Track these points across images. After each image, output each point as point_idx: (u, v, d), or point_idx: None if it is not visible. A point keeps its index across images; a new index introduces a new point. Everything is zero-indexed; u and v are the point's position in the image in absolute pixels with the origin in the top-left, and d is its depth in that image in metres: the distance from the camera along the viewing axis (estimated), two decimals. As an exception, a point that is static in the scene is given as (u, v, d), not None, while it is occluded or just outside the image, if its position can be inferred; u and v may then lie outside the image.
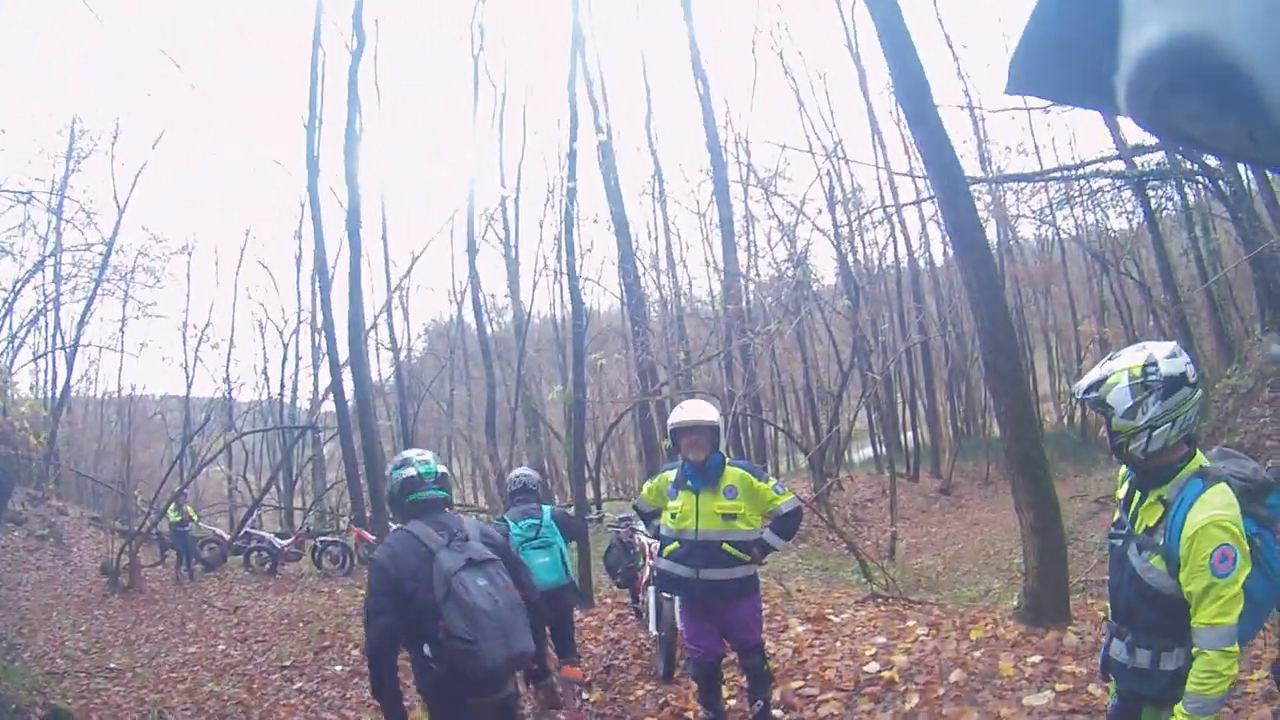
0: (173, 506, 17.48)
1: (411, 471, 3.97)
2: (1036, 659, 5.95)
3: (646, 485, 5.78)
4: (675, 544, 5.19)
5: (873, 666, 6.33)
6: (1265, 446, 12.34)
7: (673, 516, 5.21)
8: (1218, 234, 19.83)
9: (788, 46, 45.95)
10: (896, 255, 31.43)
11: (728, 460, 5.25)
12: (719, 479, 5.11)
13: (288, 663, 8.83)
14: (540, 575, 5.82)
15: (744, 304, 20.66)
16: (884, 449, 30.04)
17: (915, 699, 5.62)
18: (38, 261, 25.76)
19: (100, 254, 25.90)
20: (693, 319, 27.47)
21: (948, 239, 22.71)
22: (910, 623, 7.49)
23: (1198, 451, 2.82)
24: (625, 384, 24.38)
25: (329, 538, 18.61)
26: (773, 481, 5.30)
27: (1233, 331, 21.93)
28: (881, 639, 7.02)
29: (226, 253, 64.65)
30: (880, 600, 8.99)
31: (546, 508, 6.73)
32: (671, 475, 5.36)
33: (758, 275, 26.83)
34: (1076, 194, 21.30)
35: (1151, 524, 2.79)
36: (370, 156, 26.14)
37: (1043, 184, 20.58)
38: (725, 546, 5.04)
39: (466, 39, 25.28)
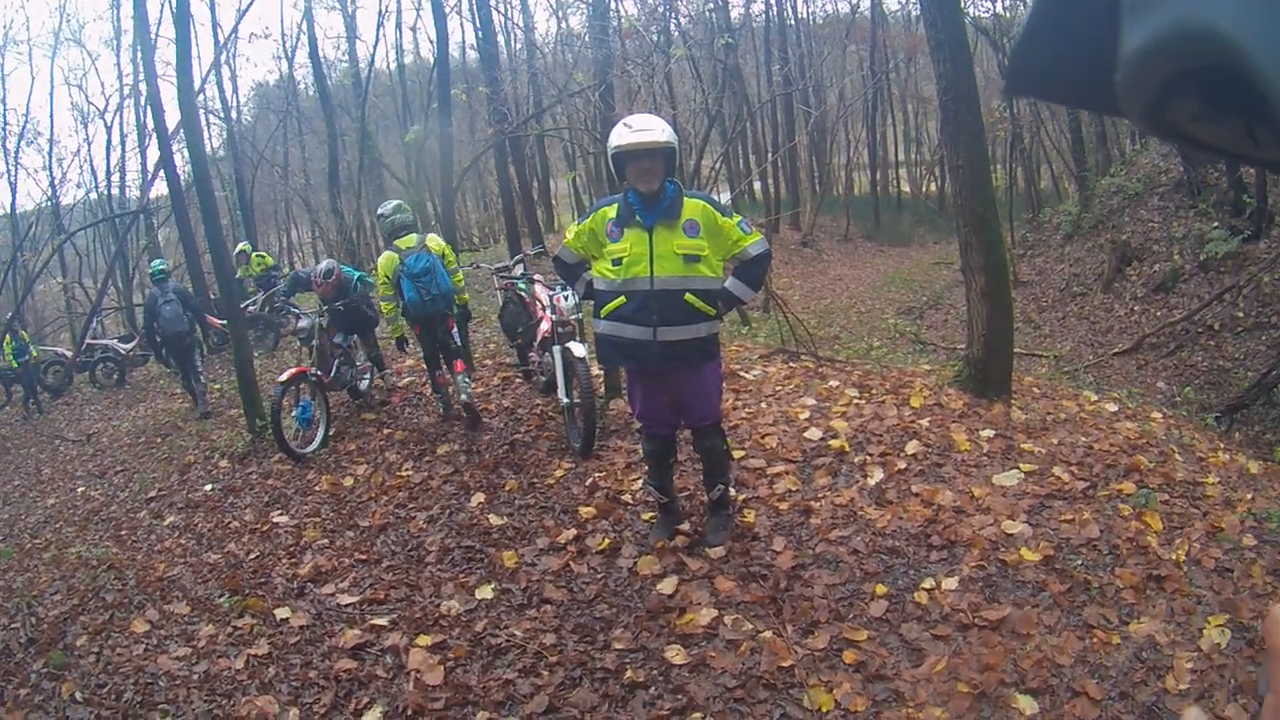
0: (7, 339, 15.17)
1: (150, 270, 12.02)
2: (990, 433, 5.67)
3: (572, 228, 4.50)
4: (621, 298, 4.11)
5: (814, 433, 5.84)
6: (1152, 250, 12.51)
7: (615, 263, 4.10)
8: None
9: None
10: (766, 4, 30.06)
11: (685, 190, 4.18)
12: (678, 212, 4.05)
13: (153, 493, 7.69)
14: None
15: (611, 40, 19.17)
16: (728, 197, 29.83)
17: (879, 473, 5.13)
18: None
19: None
20: (546, 58, 25.82)
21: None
22: (833, 383, 7.03)
23: None
24: (469, 132, 23.07)
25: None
26: (738, 218, 4.20)
27: (1110, 135, 22.29)
28: (810, 400, 6.56)
29: (39, 40, 55.41)
30: (787, 355, 8.45)
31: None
32: (612, 211, 4.18)
33: (620, 12, 25.35)
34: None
35: None
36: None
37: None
38: (688, 297, 4.03)
39: None
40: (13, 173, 27.80)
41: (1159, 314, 11.27)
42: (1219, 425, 8.02)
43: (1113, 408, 6.59)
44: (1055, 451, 5.31)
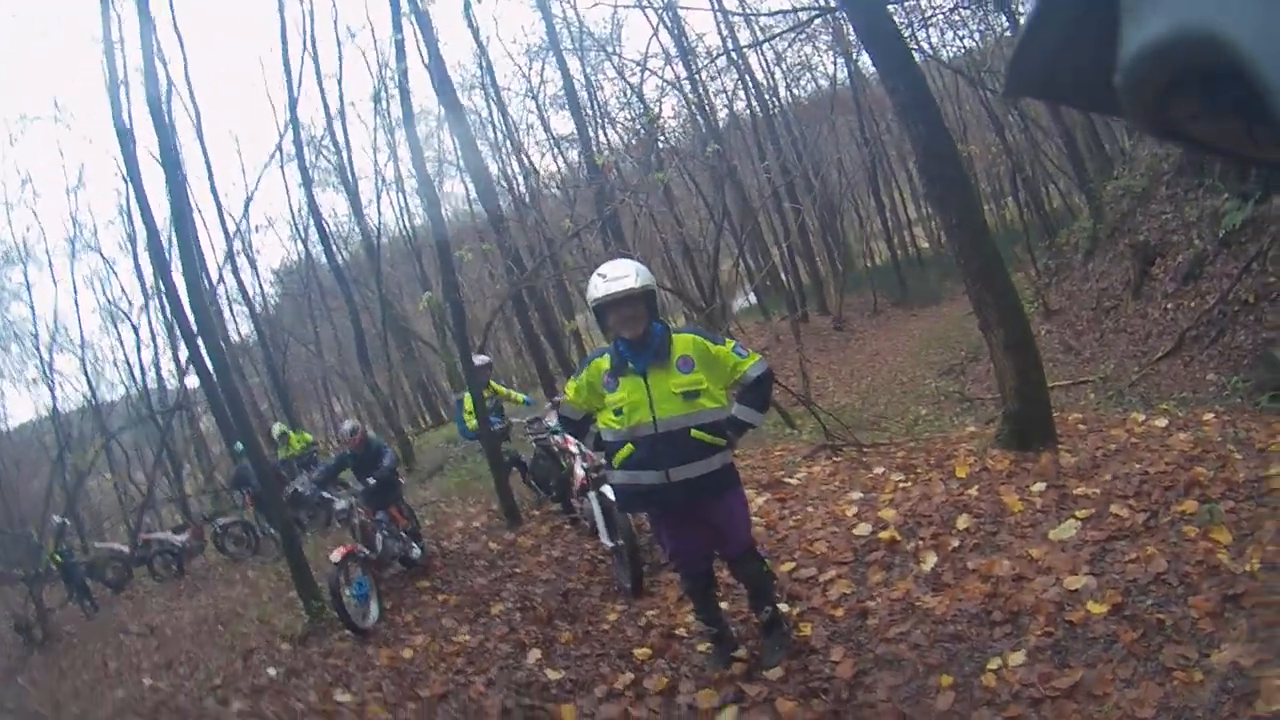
0: (52, 541, 15.70)
1: (233, 450, 14.48)
2: (1040, 486, 5.48)
3: (571, 384, 4.49)
4: (629, 446, 4.07)
5: (863, 529, 5.68)
6: (1172, 242, 12.20)
7: (617, 413, 4.07)
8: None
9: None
10: (748, 101, 30.66)
11: (671, 327, 4.18)
12: (669, 352, 4.02)
13: (218, 680, 7.70)
14: None
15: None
16: (753, 296, 29.98)
17: (932, 557, 4.94)
18: None
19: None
20: (547, 199, 26.52)
21: (858, 53, 22.26)
22: (879, 470, 6.92)
23: None
24: (489, 280, 23.48)
25: (227, 519, 16.75)
26: (731, 343, 4.19)
27: (1104, 134, 22.18)
28: (856, 494, 6.41)
29: (59, 251, 58.91)
30: (830, 450, 8.31)
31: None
32: (605, 362, 4.16)
33: (608, 142, 26.14)
34: (931, 13, 20.37)
35: None
36: (178, 104, 23.79)
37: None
38: (695, 433, 3.97)
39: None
40: (50, 378, 28.85)
41: (1193, 305, 10.85)
42: (1276, 403, 7.64)
43: (1163, 423, 6.37)
44: (1110, 488, 5.09)
